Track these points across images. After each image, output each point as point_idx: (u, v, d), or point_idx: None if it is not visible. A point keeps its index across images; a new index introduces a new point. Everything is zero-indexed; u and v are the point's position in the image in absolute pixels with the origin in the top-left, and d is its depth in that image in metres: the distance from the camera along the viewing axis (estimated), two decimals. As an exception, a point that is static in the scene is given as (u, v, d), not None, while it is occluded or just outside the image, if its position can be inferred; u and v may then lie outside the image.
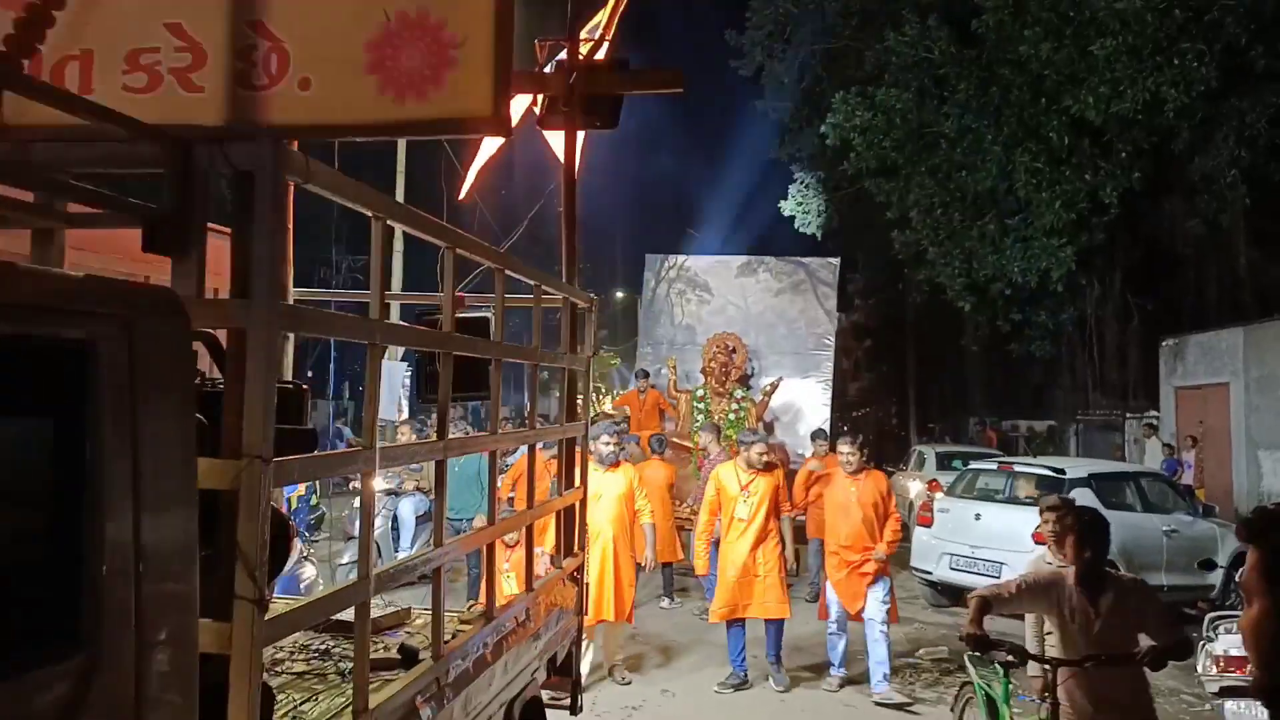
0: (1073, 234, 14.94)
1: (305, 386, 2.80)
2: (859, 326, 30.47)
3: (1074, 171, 14.70)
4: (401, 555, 8.33)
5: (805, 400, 12.97)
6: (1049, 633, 3.75)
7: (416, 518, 9.06)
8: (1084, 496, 8.76)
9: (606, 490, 6.43)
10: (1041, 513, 4.57)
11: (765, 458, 6.64)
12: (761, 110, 22.91)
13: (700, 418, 11.80)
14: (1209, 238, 17.07)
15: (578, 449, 4.70)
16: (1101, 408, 20.23)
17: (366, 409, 2.49)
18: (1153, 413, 17.39)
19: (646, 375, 12.81)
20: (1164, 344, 17.33)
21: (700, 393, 12.21)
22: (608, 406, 14.68)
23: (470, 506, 7.70)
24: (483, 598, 3.59)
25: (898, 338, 27.62)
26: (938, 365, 27.92)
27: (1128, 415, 18.95)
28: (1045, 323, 17.27)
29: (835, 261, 13.94)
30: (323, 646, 3.39)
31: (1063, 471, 9.11)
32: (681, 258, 14.58)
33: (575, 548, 4.67)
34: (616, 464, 6.68)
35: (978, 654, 3.85)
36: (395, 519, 9.09)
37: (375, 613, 2.96)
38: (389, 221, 2.50)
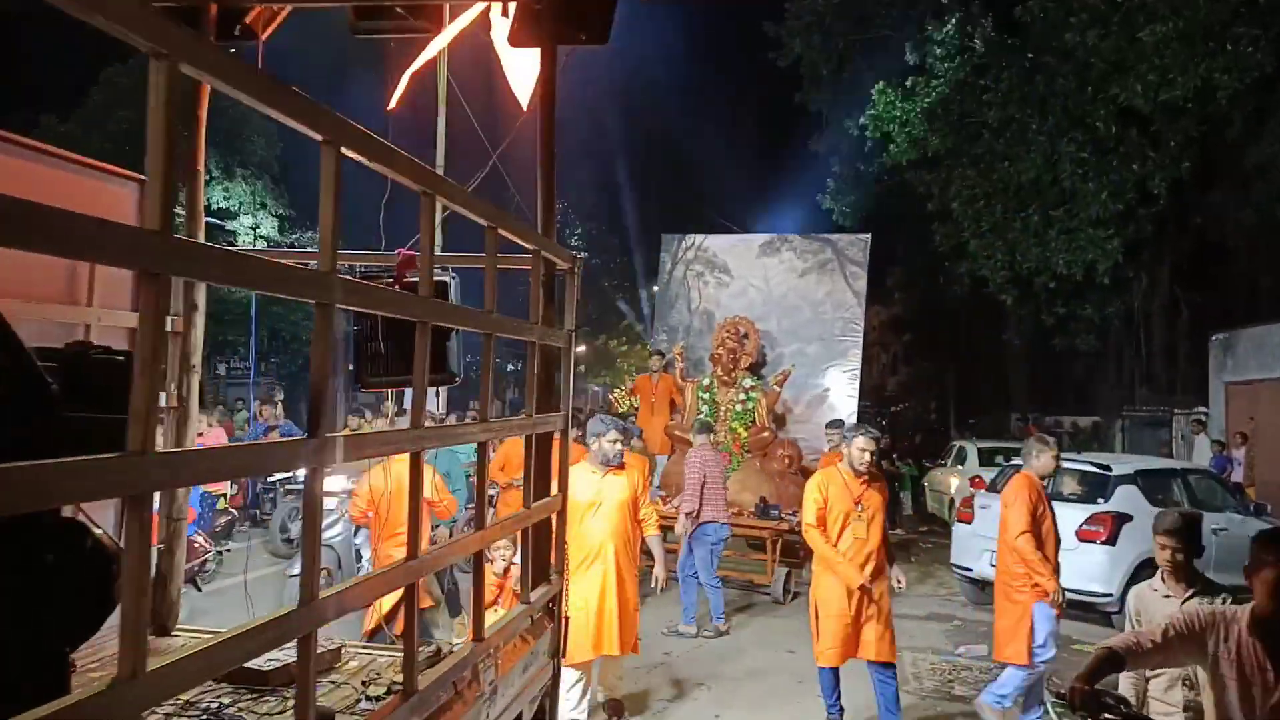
0: (1119, 225, 14.63)
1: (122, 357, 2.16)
2: (898, 320, 30.18)
3: (1121, 161, 14.39)
4: (366, 566, 7.17)
5: (830, 390, 11.94)
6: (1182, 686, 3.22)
7: None
8: (1129, 494, 8.61)
9: (607, 496, 5.25)
10: (1157, 535, 3.80)
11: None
12: (798, 102, 22.77)
13: (705, 409, 10.90)
14: (1261, 228, 16.59)
15: (555, 447, 3.79)
16: (1148, 403, 19.80)
17: (313, 387, 1.94)
18: (1201, 409, 16.97)
19: (662, 355, 11.94)
20: (1214, 338, 16.89)
21: (706, 382, 11.29)
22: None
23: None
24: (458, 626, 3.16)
25: (938, 331, 27.28)
26: (978, 359, 27.53)
27: (1175, 411, 18.53)
28: (1091, 316, 16.92)
29: (866, 238, 12.61)
30: (214, 704, 2.58)
31: (1108, 468, 8.94)
32: (700, 237, 13.52)
33: (550, 574, 3.74)
34: (620, 465, 5.41)
35: (1080, 714, 2.86)
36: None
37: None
38: (343, 149, 1.91)
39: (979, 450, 15.04)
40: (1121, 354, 20.17)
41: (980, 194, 15.75)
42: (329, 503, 7.15)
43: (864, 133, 18.07)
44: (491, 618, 3.64)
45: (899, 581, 5.39)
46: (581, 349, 46.90)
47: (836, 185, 21.09)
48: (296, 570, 6.42)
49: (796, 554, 9.72)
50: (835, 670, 5.40)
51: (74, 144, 23.23)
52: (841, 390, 11.84)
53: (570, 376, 3.88)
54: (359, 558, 7.60)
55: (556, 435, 3.72)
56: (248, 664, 2.16)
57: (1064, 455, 10.93)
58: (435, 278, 2.96)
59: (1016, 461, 10.37)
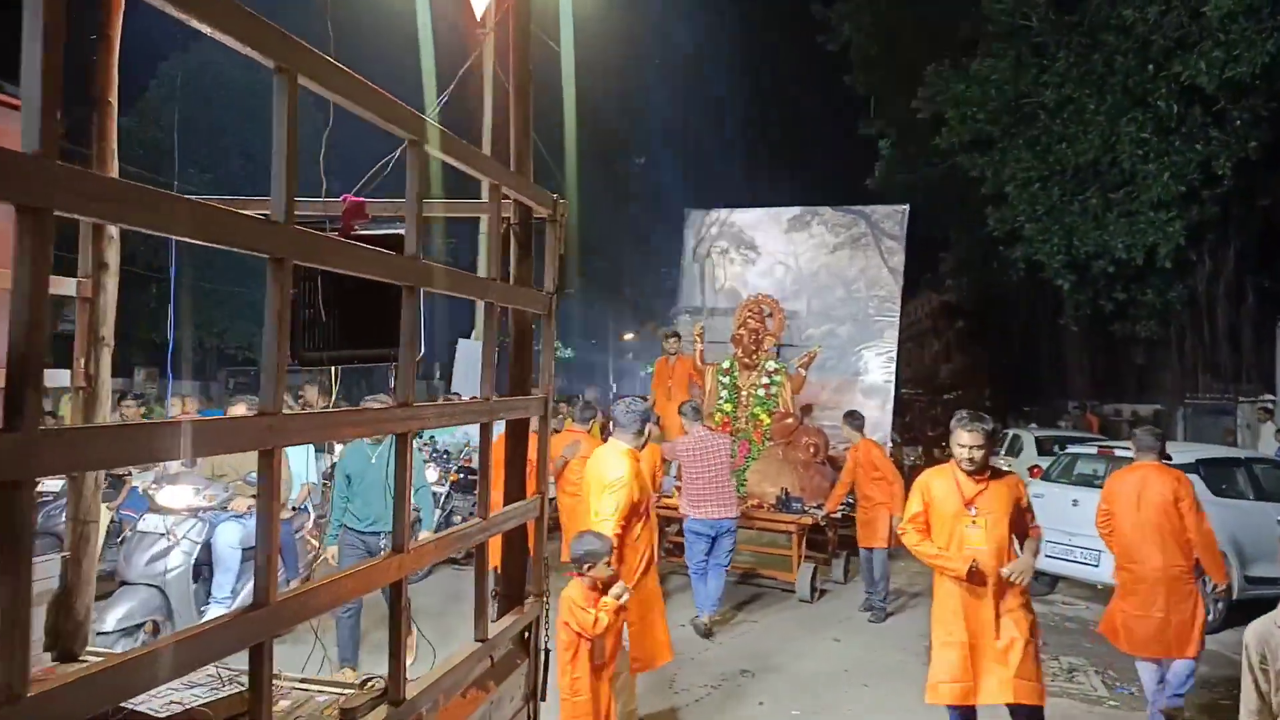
0: (1182, 207, 14.18)
1: None
2: (950, 307, 29.66)
3: (1184, 141, 13.93)
4: (215, 609, 5.72)
5: (863, 375, 11.11)
6: None
7: (244, 549, 5.93)
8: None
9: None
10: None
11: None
12: (847, 85, 22.45)
13: (725, 394, 10.37)
14: (1334, 210, 15.97)
15: (534, 436, 3.28)
16: (1211, 391, 19.21)
17: (265, 363, 1.65)
18: (1268, 396, 16.40)
19: (678, 337, 11.17)
20: (1282, 323, 16.33)
21: (726, 364, 10.57)
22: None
23: (388, 515, 5.46)
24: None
25: (991, 318, 26.74)
26: (1034, 347, 26.95)
27: (1240, 399, 17.95)
28: (1151, 302, 16.43)
29: (903, 209, 11.64)
30: None
31: (1168, 457, 8.69)
32: (725, 212, 12.55)
33: (526, 594, 3.11)
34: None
35: None
36: (209, 550, 5.88)
37: None
38: (300, 78, 1.67)
39: (1036, 439, 14.69)
40: (1184, 340, 19.58)
41: (1036, 176, 15.39)
42: (166, 522, 5.72)
43: (915, 115, 17.75)
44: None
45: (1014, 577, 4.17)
46: (630, 336, 46.75)
47: (886, 169, 20.78)
48: (111, 622, 5.14)
49: (824, 549, 9.42)
50: (961, 714, 4.36)
51: (131, 137, 23.95)
52: (876, 374, 11.04)
53: (552, 348, 3.20)
54: (208, 592, 5.90)
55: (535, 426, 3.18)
56: (143, 708, 1.86)
57: (1120, 443, 10.70)
58: (391, 230, 2.64)
59: (1073, 449, 10.18)
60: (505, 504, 2.98)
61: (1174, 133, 13.99)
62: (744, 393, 10.35)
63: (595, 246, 29.05)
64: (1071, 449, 10.28)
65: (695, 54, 29.21)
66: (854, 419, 8.34)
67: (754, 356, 10.37)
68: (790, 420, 9.97)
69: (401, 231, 2.51)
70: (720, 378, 10.56)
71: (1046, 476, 9.62)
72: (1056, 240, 15.34)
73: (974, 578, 4.21)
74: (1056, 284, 16.27)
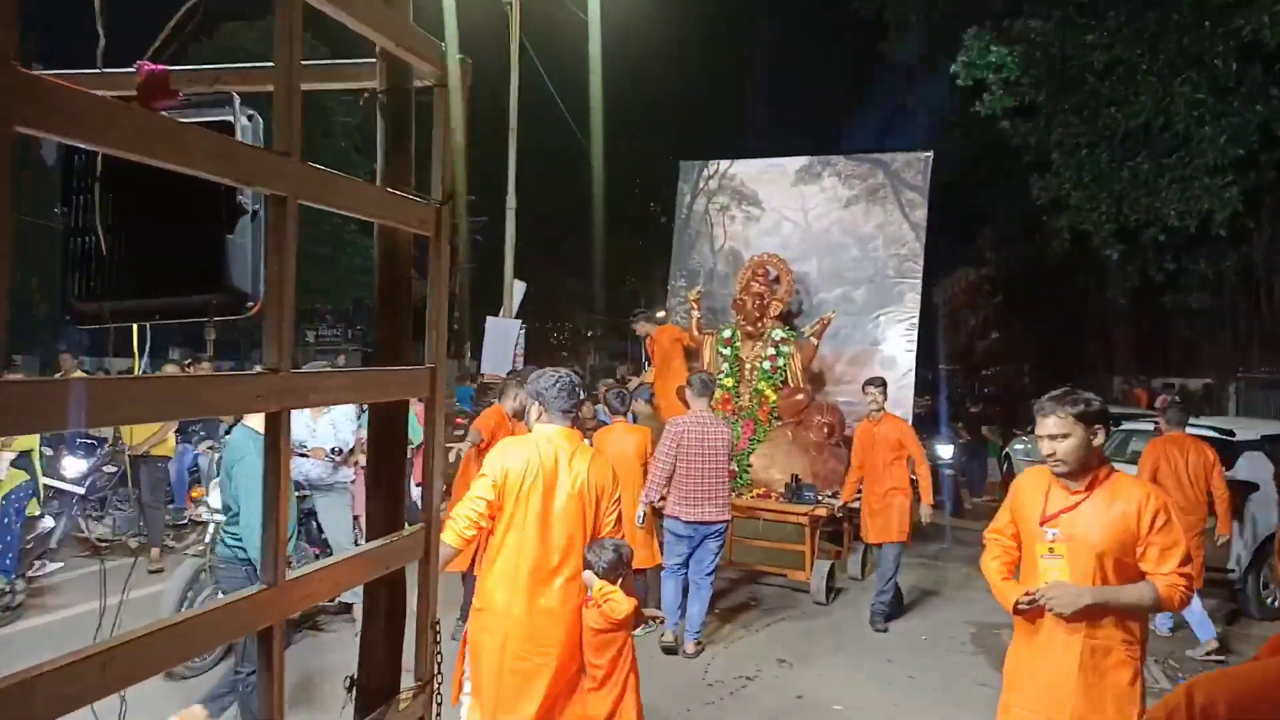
0: (1239, 172, 13.49)
1: None
2: (990, 280, 28.95)
3: (1242, 102, 13.22)
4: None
5: (882, 344, 9.82)
6: None
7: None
8: (1257, 460, 7.91)
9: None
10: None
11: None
12: (883, 52, 21.84)
13: (726, 366, 9.18)
14: (1401, 173, 15.14)
15: (425, 431, 2.25)
16: (1266, 365, 18.48)
17: None
18: (1327, 370, 15.73)
19: (649, 318, 10.35)
20: (1344, 293, 15.60)
21: (727, 334, 9.34)
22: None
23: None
24: None
25: (1032, 292, 26.02)
26: (1077, 320, 26.22)
27: (1297, 373, 17.25)
28: (1204, 271, 15.79)
29: (926, 156, 10.25)
30: None
31: (1232, 433, 8.25)
32: (724, 163, 11.16)
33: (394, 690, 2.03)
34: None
35: None
36: None
37: None
38: None
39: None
40: (1236, 312, 18.84)
41: (1083, 142, 14.76)
42: None
43: (955, 81, 17.14)
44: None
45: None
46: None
47: (925, 139, 20.15)
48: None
49: (839, 541, 8.59)
50: None
51: (164, 119, 23.91)
52: (896, 343, 9.76)
53: (444, 290, 2.03)
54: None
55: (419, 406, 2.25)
56: None
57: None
58: (216, 117, 1.71)
59: (1127, 426, 9.71)
60: (368, 534, 1.99)
61: (1232, 93, 13.29)
62: (747, 365, 9.13)
63: (631, 225, 28.66)
64: (1125, 425, 9.82)
65: (720, 23, 28.59)
66: (881, 386, 7.18)
67: (759, 324, 9.14)
68: (800, 396, 8.79)
69: (231, 118, 1.70)
70: (720, 349, 9.29)
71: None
72: (1105, 208, 14.72)
73: (1029, 615, 3.04)
74: (1104, 254, 15.65)
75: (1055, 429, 2.97)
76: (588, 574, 3.55)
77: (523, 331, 13.45)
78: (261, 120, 1.84)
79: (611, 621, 3.51)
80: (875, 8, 20.76)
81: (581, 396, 3.76)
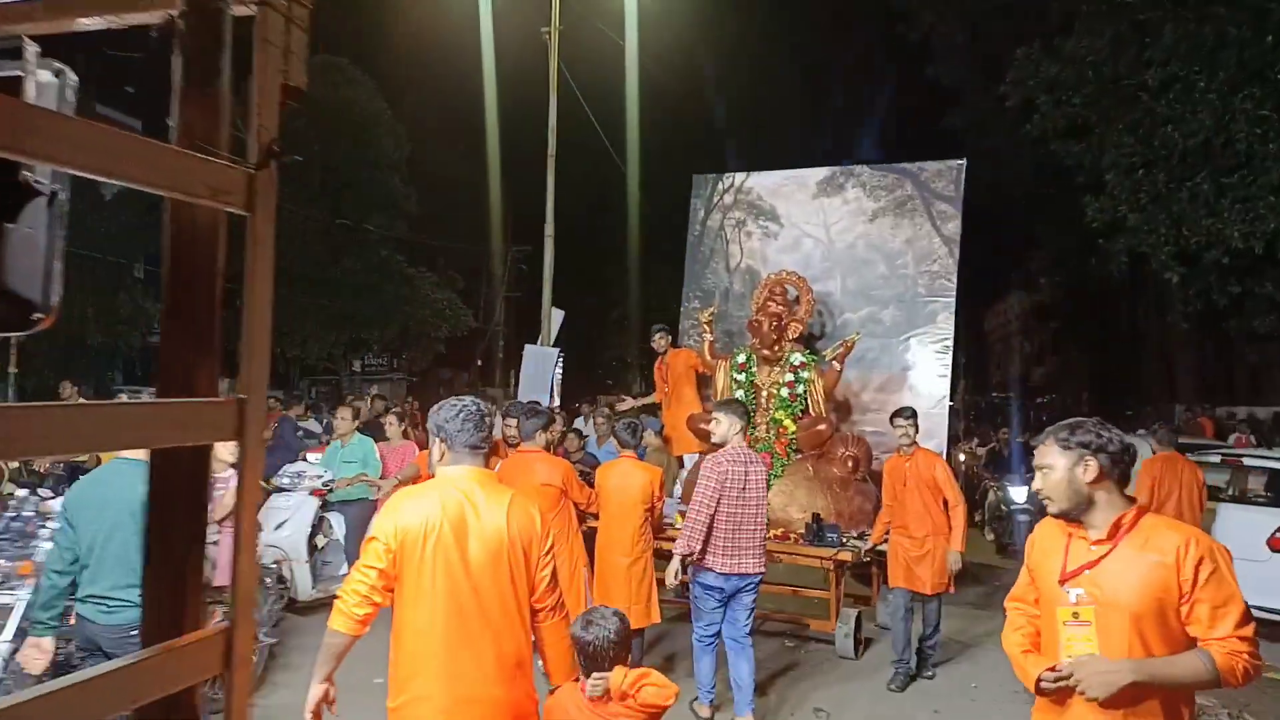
0: (1306, 191, 12.91)
1: None
2: (1043, 306, 28.25)
3: (1309, 118, 12.68)
4: None
5: (912, 369, 9.04)
6: None
7: None
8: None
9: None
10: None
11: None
12: (931, 77, 21.53)
13: (740, 394, 8.20)
14: None
15: (239, 487, 1.30)
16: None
17: None
18: None
19: (665, 331, 9.35)
20: None
21: (742, 358, 8.47)
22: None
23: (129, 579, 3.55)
24: None
25: (1088, 317, 25.29)
26: (1135, 346, 25.37)
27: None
28: (1271, 294, 15.09)
29: (958, 164, 9.51)
30: None
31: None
32: (739, 176, 10.51)
33: None
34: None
35: None
36: None
37: None
38: None
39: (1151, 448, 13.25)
40: (1307, 337, 18.03)
41: (1139, 162, 14.27)
42: None
43: (1004, 103, 16.76)
44: None
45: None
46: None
47: (975, 164, 19.66)
48: None
49: (867, 583, 7.85)
50: None
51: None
52: (928, 368, 8.96)
53: (264, 284, 1.33)
54: None
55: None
56: None
57: (1249, 452, 9.65)
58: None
59: (1198, 459, 9.19)
60: (145, 637, 1.26)
61: (1297, 109, 12.76)
62: (764, 392, 8.28)
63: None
64: (1190, 457, 9.30)
65: (762, 48, 28.52)
66: (911, 417, 6.41)
67: (776, 348, 8.26)
68: (822, 427, 7.93)
69: (23, 70, 1.24)
70: (734, 374, 8.44)
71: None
72: (1163, 230, 14.18)
73: (1055, 697, 2.50)
74: (1164, 277, 15.08)
75: (1040, 458, 2.55)
76: (597, 679, 2.86)
77: (561, 360, 13.31)
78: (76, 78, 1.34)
79: (654, 710, 2.85)
80: (922, 31, 20.52)
81: (492, 427, 3.04)
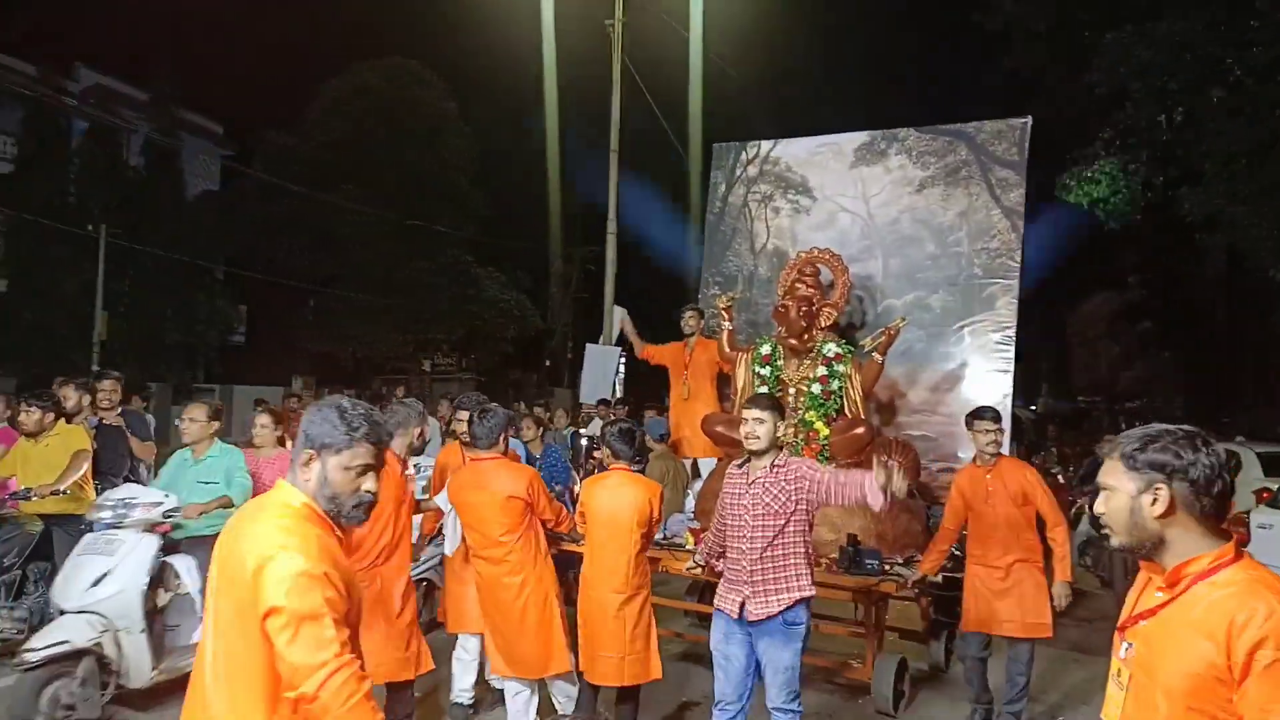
0: None
1: None
2: (1133, 306, 26.93)
3: None
4: None
5: (967, 363, 7.65)
6: None
7: None
8: None
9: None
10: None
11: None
12: (1010, 70, 20.67)
13: (764, 389, 6.82)
14: None
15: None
16: None
17: None
18: None
19: (699, 313, 8.23)
20: None
21: (766, 349, 7.06)
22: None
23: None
24: None
25: (1182, 318, 23.95)
26: (1232, 349, 23.95)
27: None
28: (1388, 294, 14.00)
29: (1023, 122, 7.93)
30: None
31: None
32: (765, 144, 9.09)
33: None
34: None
35: None
36: None
37: None
38: None
39: (1260, 456, 11.70)
40: None
41: (1241, 152, 13.34)
42: None
43: (1092, 91, 15.90)
44: None
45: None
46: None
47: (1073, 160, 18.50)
48: None
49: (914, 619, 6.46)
50: None
51: (293, 154, 24.92)
52: (986, 362, 7.56)
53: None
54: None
55: None
56: None
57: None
58: None
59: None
60: None
61: None
62: (791, 389, 6.85)
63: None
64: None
65: (832, 41, 27.85)
66: (996, 419, 5.18)
67: (806, 337, 6.88)
68: (860, 430, 6.49)
69: None
70: (757, 368, 7.06)
71: (1275, 502, 7.93)
72: (1268, 224, 13.26)
73: None
74: (1270, 274, 14.10)
75: (1104, 475, 1.97)
76: None
77: (623, 360, 13.03)
78: None
79: None
80: (1002, 20, 19.68)
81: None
